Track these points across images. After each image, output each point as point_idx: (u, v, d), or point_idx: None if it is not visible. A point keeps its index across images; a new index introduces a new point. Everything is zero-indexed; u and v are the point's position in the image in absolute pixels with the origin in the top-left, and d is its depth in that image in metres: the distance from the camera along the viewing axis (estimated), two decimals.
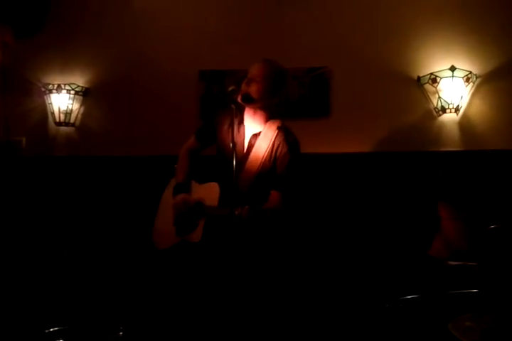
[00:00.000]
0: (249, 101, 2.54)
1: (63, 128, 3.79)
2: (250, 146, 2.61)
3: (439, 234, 3.30)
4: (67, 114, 3.73)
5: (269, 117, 2.64)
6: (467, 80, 3.43)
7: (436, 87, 3.45)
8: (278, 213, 2.40)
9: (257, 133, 2.62)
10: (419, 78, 3.53)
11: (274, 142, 2.58)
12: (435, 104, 3.49)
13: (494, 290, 2.20)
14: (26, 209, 3.62)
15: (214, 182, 2.54)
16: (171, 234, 2.62)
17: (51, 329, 2.62)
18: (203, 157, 2.80)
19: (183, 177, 2.68)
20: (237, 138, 2.54)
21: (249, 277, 2.48)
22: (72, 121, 3.76)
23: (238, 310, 2.42)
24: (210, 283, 2.49)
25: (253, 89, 2.52)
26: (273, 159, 2.58)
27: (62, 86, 3.69)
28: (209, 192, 2.52)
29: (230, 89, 2.50)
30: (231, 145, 2.42)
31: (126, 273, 3.40)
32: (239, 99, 2.52)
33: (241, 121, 2.63)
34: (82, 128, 3.81)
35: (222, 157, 2.64)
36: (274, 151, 2.58)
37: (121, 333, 2.57)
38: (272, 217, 2.36)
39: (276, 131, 2.60)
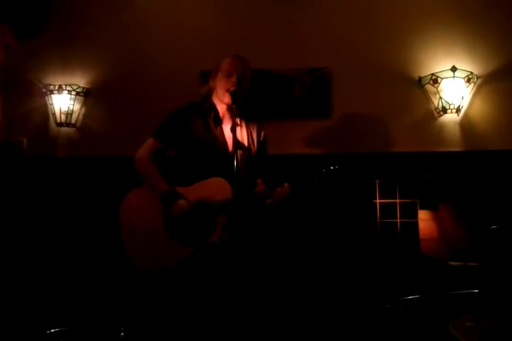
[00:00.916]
0: (237, 98, 2.57)
1: (64, 129, 3.79)
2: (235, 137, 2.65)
3: (440, 235, 3.30)
4: (68, 114, 3.73)
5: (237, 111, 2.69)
6: (468, 81, 3.43)
7: (437, 88, 3.44)
8: None
9: (233, 126, 2.61)
10: (420, 78, 3.53)
11: (250, 130, 2.73)
12: (436, 105, 3.49)
13: (495, 291, 2.20)
14: (27, 210, 3.63)
15: (216, 178, 2.49)
16: (173, 250, 2.47)
17: (52, 330, 2.62)
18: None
19: (165, 184, 2.53)
20: (219, 135, 2.62)
21: (251, 277, 2.49)
22: (73, 121, 3.76)
23: (239, 310, 2.43)
24: (220, 284, 2.46)
25: (241, 87, 2.57)
26: (257, 143, 2.73)
27: (64, 86, 3.69)
28: (215, 189, 2.48)
29: (232, 90, 2.53)
30: (223, 141, 2.57)
31: (127, 273, 3.40)
32: (231, 98, 2.54)
33: (217, 118, 2.65)
34: (83, 128, 3.81)
35: (201, 156, 2.60)
36: (255, 137, 2.73)
37: (122, 334, 2.58)
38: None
39: (244, 119, 2.74)
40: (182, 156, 2.66)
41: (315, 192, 2.59)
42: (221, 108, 2.66)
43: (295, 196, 2.51)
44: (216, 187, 2.46)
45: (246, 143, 2.68)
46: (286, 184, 2.47)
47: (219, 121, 2.65)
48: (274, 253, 2.65)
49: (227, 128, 2.64)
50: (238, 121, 2.67)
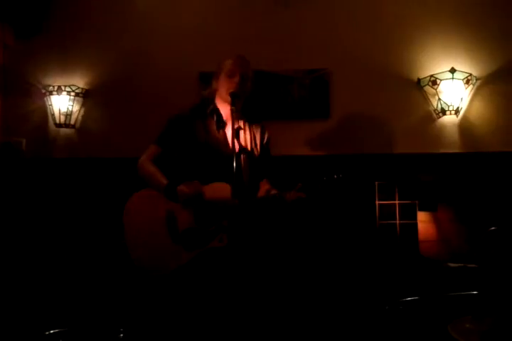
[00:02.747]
0: (239, 98, 2.56)
1: (63, 130, 3.78)
2: (238, 141, 2.65)
3: (439, 236, 3.30)
4: (68, 115, 3.72)
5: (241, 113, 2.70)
6: (467, 82, 3.43)
7: (436, 89, 3.45)
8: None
9: (237, 128, 2.63)
10: (419, 80, 3.53)
11: (253, 132, 2.71)
12: (435, 106, 3.49)
13: (494, 292, 2.20)
14: (26, 211, 3.62)
15: (218, 183, 2.47)
16: (175, 254, 2.46)
17: (51, 331, 2.62)
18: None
19: (165, 179, 2.55)
20: (222, 137, 2.61)
21: (252, 278, 2.49)
22: (72, 122, 3.76)
23: (238, 310, 2.42)
24: (218, 286, 2.45)
25: (244, 87, 2.57)
26: (259, 147, 2.70)
27: (63, 87, 3.69)
28: (218, 194, 2.46)
29: (231, 91, 2.52)
30: (226, 143, 2.55)
31: (127, 274, 3.40)
32: (230, 98, 2.53)
33: (220, 121, 2.64)
34: (82, 129, 3.80)
35: (203, 159, 2.59)
36: (258, 139, 2.71)
37: (121, 335, 2.57)
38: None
39: (247, 121, 2.72)
40: (184, 160, 2.64)
41: (317, 199, 2.58)
42: (225, 110, 2.63)
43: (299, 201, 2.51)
44: (219, 192, 2.45)
45: (249, 145, 2.66)
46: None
47: (223, 124, 2.64)
48: (274, 256, 2.64)
49: (230, 130, 2.60)
50: (242, 123, 2.67)
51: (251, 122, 2.74)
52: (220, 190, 2.45)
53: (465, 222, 3.29)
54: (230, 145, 2.53)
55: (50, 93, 3.71)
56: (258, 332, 2.53)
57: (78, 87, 3.74)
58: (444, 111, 3.45)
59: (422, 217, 3.44)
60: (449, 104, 3.42)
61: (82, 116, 3.81)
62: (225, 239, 2.41)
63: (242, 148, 2.63)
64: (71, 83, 3.73)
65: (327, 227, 3.44)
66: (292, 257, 3.09)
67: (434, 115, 3.53)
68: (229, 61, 2.62)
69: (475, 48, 3.52)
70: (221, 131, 2.62)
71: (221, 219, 2.44)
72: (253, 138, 2.70)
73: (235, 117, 2.51)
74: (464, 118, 3.52)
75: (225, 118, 2.65)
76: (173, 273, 2.46)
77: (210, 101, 2.69)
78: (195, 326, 2.54)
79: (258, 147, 2.70)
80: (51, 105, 3.73)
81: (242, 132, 2.66)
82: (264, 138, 2.75)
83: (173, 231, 2.50)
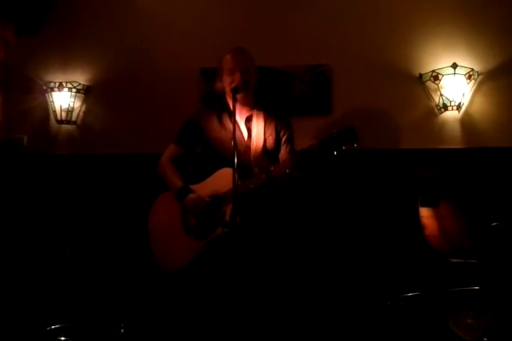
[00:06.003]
0: (247, 92, 2.65)
1: (65, 126, 3.79)
2: (249, 129, 2.72)
3: (441, 232, 3.30)
4: (69, 112, 3.73)
5: (254, 103, 2.77)
6: (469, 77, 3.42)
7: (438, 85, 3.44)
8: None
9: (249, 117, 2.73)
10: (420, 75, 3.52)
11: (267, 121, 2.75)
12: (437, 102, 3.48)
13: (496, 288, 2.20)
14: (28, 207, 3.63)
15: (223, 169, 2.56)
16: (189, 246, 2.59)
17: (53, 327, 2.63)
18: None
19: (180, 182, 2.69)
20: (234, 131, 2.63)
21: (249, 271, 2.49)
22: (73, 119, 3.76)
23: (238, 306, 2.42)
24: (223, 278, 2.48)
25: (247, 80, 2.63)
26: (275, 135, 2.74)
27: (64, 84, 3.69)
28: (223, 180, 2.52)
29: (233, 86, 2.54)
30: (230, 138, 2.55)
31: (128, 270, 3.41)
32: (239, 95, 2.57)
33: (230, 114, 2.69)
34: (83, 126, 3.81)
35: (220, 152, 2.67)
36: (273, 128, 2.74)
37: (122, 330, 2.58)
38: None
39: (264, 112, 2.77)
40: (206, 155, 2.76)
41: (317, 162, 2.61)
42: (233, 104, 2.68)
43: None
44: (224, 178, 2.51)
45: (262, 135, 2.71)
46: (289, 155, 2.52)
47: (231, 115, 2.69)
48: (272, 247, 2.65)
49: (241, 123, 2.72)
50: (255, 113, 2.73)
51: (269, 115, 2.78)
52: (224, 176, 2.52)
53: (467, 217, 3.28)
54: (244, 136, 2.67)
55: (52, 89, 3.71)
56: (259, 323, 2.54)
57: (79, 84, 3.74)
58: (445, 107, 3.44)
59: (424, 213, 3.44)
60: (451, 100, 3.41)
61: (84, 113, 3.81)
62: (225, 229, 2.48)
63: (249, 136, 2.70)
64: (72, 79, 3.74)
65: (328, 225, 3.44)
66: (292, 249, 3.10)
67: (436, 110, 3.52)
68: (227, 57, 2.69)
69: (477, 43, 3.50)
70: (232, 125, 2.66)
71: (225, 206, 2.53)
72: (267, 128, 2.74)
73: (235, 109, 2.53)
74: (466, 113, 3.51)
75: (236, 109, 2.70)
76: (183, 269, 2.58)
77: (220, 97, 2.78)
78: (195, 322, 2.56)
79: (274, 136, 2.74)
80: (52, 101, 3.73)
81: (254, 121, 2.71)
82: (279, 129, 2.77)
83: (187, 225, 2.62)
